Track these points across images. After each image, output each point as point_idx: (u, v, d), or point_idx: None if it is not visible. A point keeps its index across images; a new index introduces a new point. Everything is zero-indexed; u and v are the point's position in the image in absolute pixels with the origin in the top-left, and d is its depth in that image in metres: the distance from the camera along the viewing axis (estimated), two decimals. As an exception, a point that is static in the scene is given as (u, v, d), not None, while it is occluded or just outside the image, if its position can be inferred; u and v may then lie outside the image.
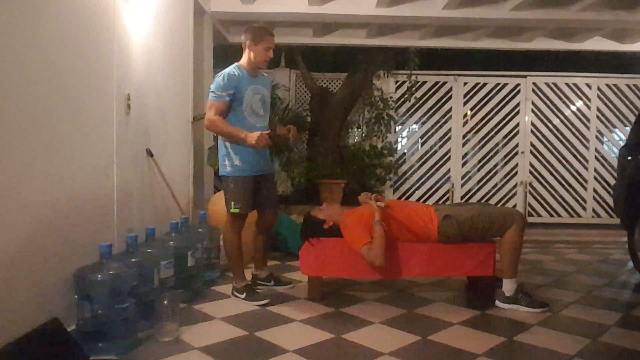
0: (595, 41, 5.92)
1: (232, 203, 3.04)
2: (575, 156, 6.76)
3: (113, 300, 2.27)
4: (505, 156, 6.83)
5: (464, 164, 6.84)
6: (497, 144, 6.84)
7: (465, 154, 6.86)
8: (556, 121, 6.77)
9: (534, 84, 6.75)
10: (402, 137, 7.07)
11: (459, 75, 6.80)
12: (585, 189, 6.78)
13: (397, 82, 6.74)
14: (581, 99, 6.78)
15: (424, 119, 6.87)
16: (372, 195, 3.15)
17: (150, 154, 3.40)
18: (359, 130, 6.78)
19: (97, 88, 2.76)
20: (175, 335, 2.47)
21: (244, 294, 3.11)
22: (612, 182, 6.27)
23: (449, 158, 6.81)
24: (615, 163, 5.75)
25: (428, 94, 6.79)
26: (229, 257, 3.22)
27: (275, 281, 3.46)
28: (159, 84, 3.63)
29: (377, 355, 2.31)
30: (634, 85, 6.75)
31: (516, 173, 6.79)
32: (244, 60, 3.14)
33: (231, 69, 3.07)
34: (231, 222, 3.11)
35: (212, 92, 3.01)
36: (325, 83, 6.93)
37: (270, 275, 3.46)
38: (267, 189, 3.25)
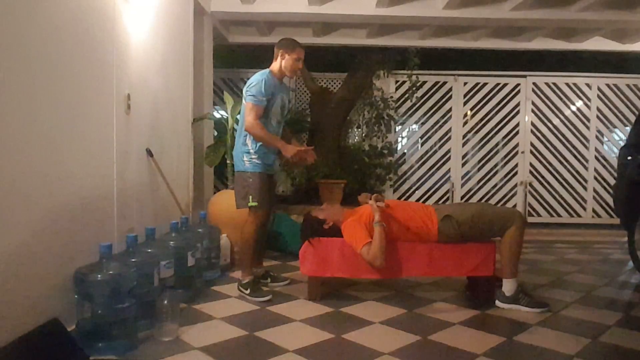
0: (595, 41, 5.92)
1: (250, 197, 3.15)
2: (575, 156, 6.76)
3: (113, 300, 2.27)
4: (505, 156, 6.83)
5: (464, 164, 6.84)
6: (497, 144, 6.84)
7: (465, 154, 6.85)
8: (556, 121, 6.76)
9: (534, 84, 6.75)
10: (402, 137, 7.07)
11: (459, 75, 6.79)
12: (585, 189, 6.78)
13: (397, 82, 6.73)
14: (581, 99, 6.78)
15: (424, 119, 6.86)
16: (372, 196, 3.15)
17: (150, 154, 3.40)
18: (359, 130, 6.78)
19: (97, 88, 2.76)
20: (175, 335, 2.47)
21: (248, 290, 3.18)
22: (612, 182, 6.26)
23: (449, 158, 6.81)
24: (615, 163, 5.75)
25: (428, 94, 6.78)
26: (241, 249, 3.32)
27: (271, 278, 3.52)
28: (159, 84, 3.63)
29: (377, 355, 2.31)
30: (634, 85, 6.74)
31: (516, 173, 6.78)
32: (275, 67, 3.26)
33: (266, 75, 3.17)
34: (251, 216, 3.21)
35: (252, 95, 3.09)
36: (325, 83, 6.93)
37: (266, 272, 3.52)
38: (272, 188, 3.43)
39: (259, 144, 3.17)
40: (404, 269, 3.12)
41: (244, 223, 3.27)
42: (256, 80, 3.13)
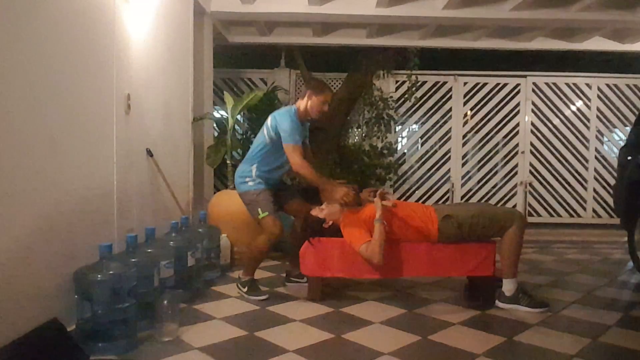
0: (595, 41, 5.92)
1: (260, 210, 3.14)
2: (575, 156, 6.76)
3: (113, 300, 2.27)
4: (505, 156, 6.83)
5: (464, 164, 6.84)
6: (497, 144, 6.84)
7: (465, 154, 6.86)
8: (556, 121, 6.77)
9: (534, 84, 6.75)
10: (402, 137, 7.07)
11: (459, 75, 6.79)
12: (585, 189, 6.78)
13: (397, 82, 6.74)
14: (581, 99, 6.78)
15: (424, 119, 6.86)
16: (377, 192, 3.13)
17: (150, 154, 3.40)
18: (359, 130, 6.78)
19: (97, 88, 2.76)
20: (175, 335, 2.47)
21: (246, 288, 3.20)
22: (612, 182, 6.26)
23: (449, 158, 6.81)
24: (615, 163, 5.75)
25: (428, 94, 6.78)
26: (251, 252, 3.26)
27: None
28: (159, 84, 3.63)
29: (377, 355, 2.31)
30: (634, 85, 6.75)
31: (516, 173, 6.79)
32: (301, 106, 3.25)
33: (295, 115, 3.16)
34: (265, 227, 3.16)
35: (290, 136, 3.08)
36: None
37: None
38: (282, 189, 3.43)
39: (263, 172, 3.21)
40: (404, 269, 3.12)
41: (258, 233, 3.24)
42: (286, 120, 3.11)
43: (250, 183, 3.22)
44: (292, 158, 3.09)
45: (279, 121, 3.13)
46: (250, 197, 3.22)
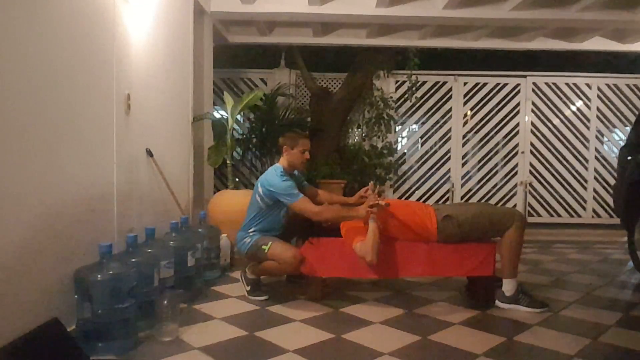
0: (595, 41, 5.92)
1: (263, 247, 3.08)
2: (575, 156, 6.76)
3: (113, 300, 2.27)
4: (505, 156, 6.83)
5: (464, 164, 6.84)
6: (497, 144, 6.84)
7: (465, 154, 6.86)
8: (556, 121, 6.77)
9: (534, 84, 6.75)
10: (402, 137, 7.07)
11: (459, 75, 6.79)
12: (585, 189, 6.78)
13: (397, 82, 6.74)
14: (581, 99, 6.78)
15: (424, 119, 6.86)
16: (374, 189, 3.11)
17: (150, 154, 3.40)
18: (359, 130, 6.78)
19: (97, 88, 2.75)
20: (175, 335, 2.48)
21: (249, 287, 3.22)
22: (612, 182, 6.27)
23: (449, 158, 6.81)
24: (615, 163, 5.75)
25: (428, 94, 6.78)
26: (264, 269, 3.17)
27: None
28: (159, 84, 3.63)
29: (377, 355, 2.31)
30: (634, 85, 6.75)
31: (516, 173, 6.79)
32: (284, 163, 3.25)
33: (280, 174, 3.11)
34: (278, 258, 3.05)
35: (288, 195, 3.03)
36: (325, 83, 6.93)
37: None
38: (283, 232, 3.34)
39: (260, 231, 3.19)
40: (404, 268, 3.12)
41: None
42: (277, 182, 3.06)
43: (248, 240, 3.19)
44: (307, 211, 3.02)
45: (270, 187, 3.09)
46: (253, 249, 3.15)
